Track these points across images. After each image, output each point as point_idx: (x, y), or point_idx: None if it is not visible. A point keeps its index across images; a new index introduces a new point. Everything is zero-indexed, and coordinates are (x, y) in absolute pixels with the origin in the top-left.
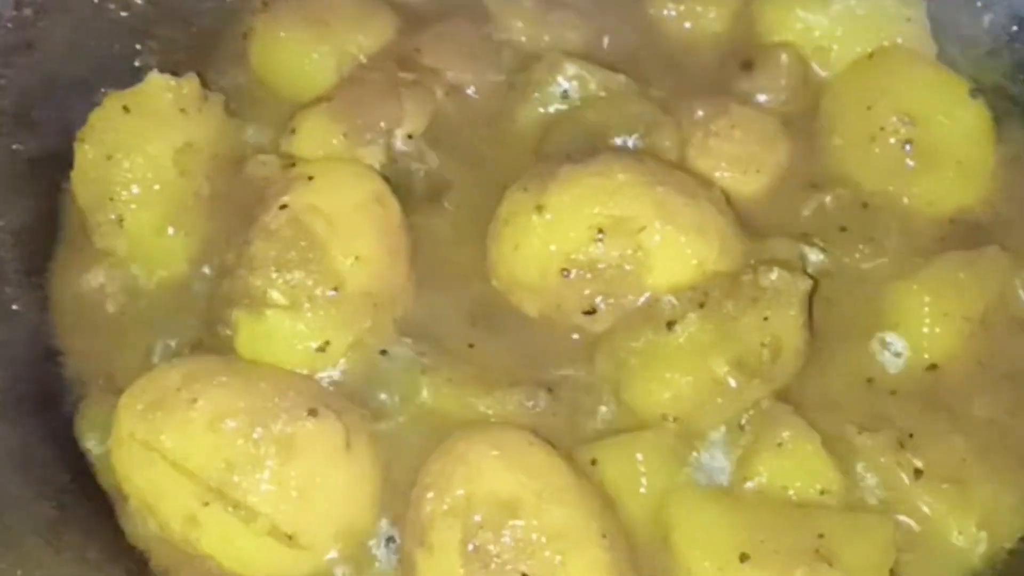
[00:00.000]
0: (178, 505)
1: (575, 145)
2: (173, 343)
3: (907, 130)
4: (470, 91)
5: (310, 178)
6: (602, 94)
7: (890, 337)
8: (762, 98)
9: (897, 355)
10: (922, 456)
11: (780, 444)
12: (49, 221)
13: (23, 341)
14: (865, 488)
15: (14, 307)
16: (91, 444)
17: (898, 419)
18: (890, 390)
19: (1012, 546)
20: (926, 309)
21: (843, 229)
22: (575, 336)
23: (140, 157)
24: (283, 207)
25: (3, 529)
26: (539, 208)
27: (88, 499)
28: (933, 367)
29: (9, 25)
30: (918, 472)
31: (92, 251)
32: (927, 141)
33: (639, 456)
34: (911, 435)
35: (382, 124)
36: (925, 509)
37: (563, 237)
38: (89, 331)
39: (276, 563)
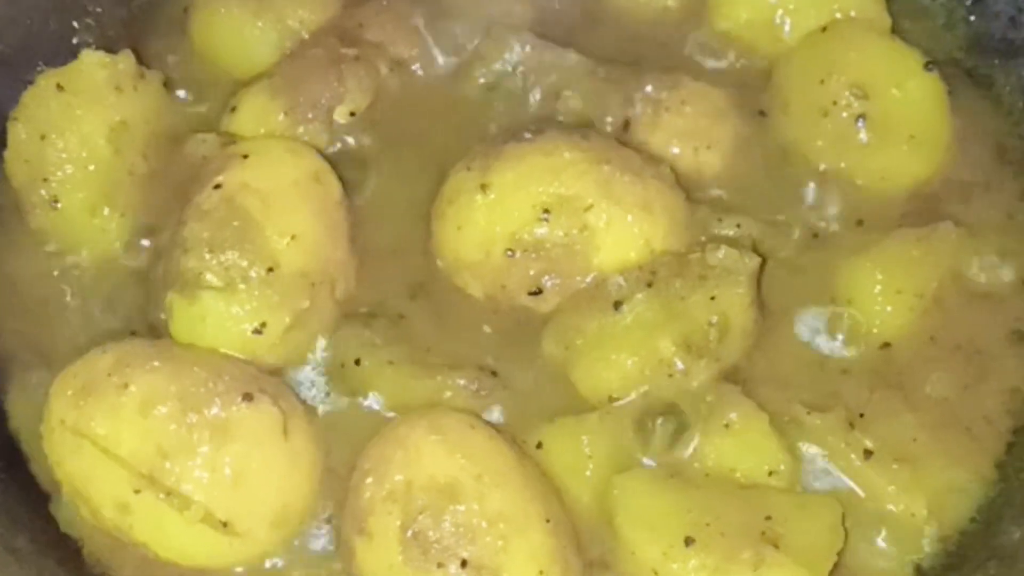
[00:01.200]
0: (110, 493)
1: (520, 122)
2: (107, 327)
3: (860, 104)
4: (414, 67)
5: (245, 156)
6: (549, 70)
7: (842, 314)
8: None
9: (847, 333)
10: (872, 435)
11: (727, 425)
12: None
13: None
14: (814, 469)
15: None
16: (21, 431)
17: (849, 398)
18: (841, 369)
19: (964, 526)
20: (879, 287)
21: (795, 205)
22: (520, 317)
23: (74, 136)
24: (217, 187)
25: None
26: (483, 187)
27: (18, 487)
28: (885, 345)
29: None
30: (868, 452)
31: (26, 232)
32: (880, 115)
33: (585, 439)
34: (861, 414)
35: (323, 101)
36: (875, 490)
37: (507, 216)
38: (21, 314)
39: (211, 551)
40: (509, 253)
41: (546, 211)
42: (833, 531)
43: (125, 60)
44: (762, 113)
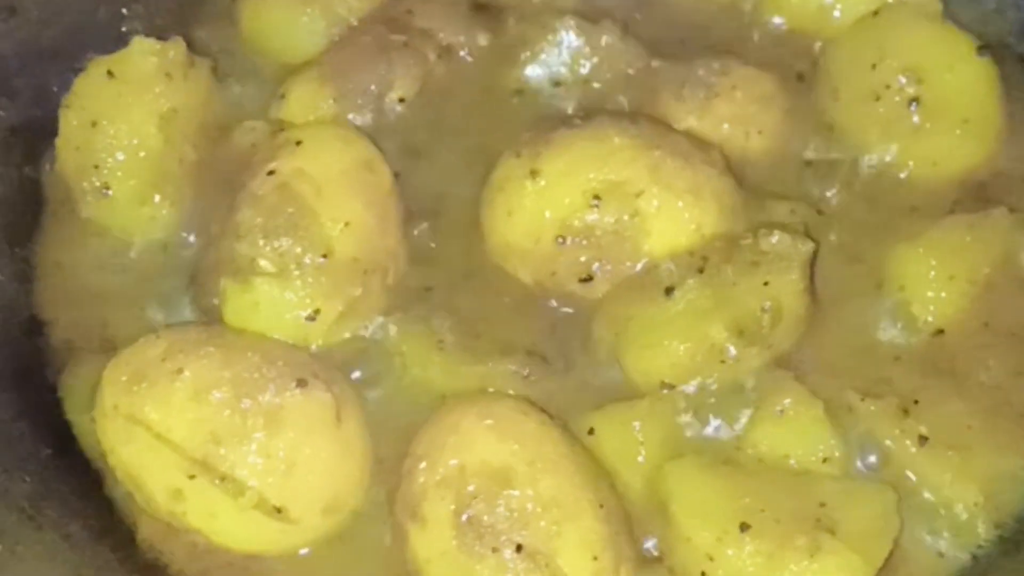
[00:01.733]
0: (163, 479)
1: (569, 108)
2: (159, 314)
3: (913, 88)
4: (462, 53)
5: (298, 143)
6: (597, 55)
7: (895, 301)
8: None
9: (902, 319)
10: (926, 422)
11: (781, 412)
12: (33, 191)
13: (2, 313)
14: (867, 456)
15: None
16: (76, 416)
17: (901, 385)
18: (894, 356)
19: (1019, 513)
20: (932, 273)
21: (847, 191)
22: (571, 304)
23: (125, 124)
24: (270, 173)
25: None
26: (533, 173)
27: (71, 474)
28: (939, 331)
29: None
30: (922, 439)
31: (77, 221)
32: (933, 99)
33: (636, 425)
34: (916, 401)
35: (373, 88)
36: (929, 477)
37: (558, 203)
38: (74, 302)
39: (264, 537)
40: (559, 240)
41: (596, 197)
42: (888, 518)
43: (176, 47)
44: (818, 100)
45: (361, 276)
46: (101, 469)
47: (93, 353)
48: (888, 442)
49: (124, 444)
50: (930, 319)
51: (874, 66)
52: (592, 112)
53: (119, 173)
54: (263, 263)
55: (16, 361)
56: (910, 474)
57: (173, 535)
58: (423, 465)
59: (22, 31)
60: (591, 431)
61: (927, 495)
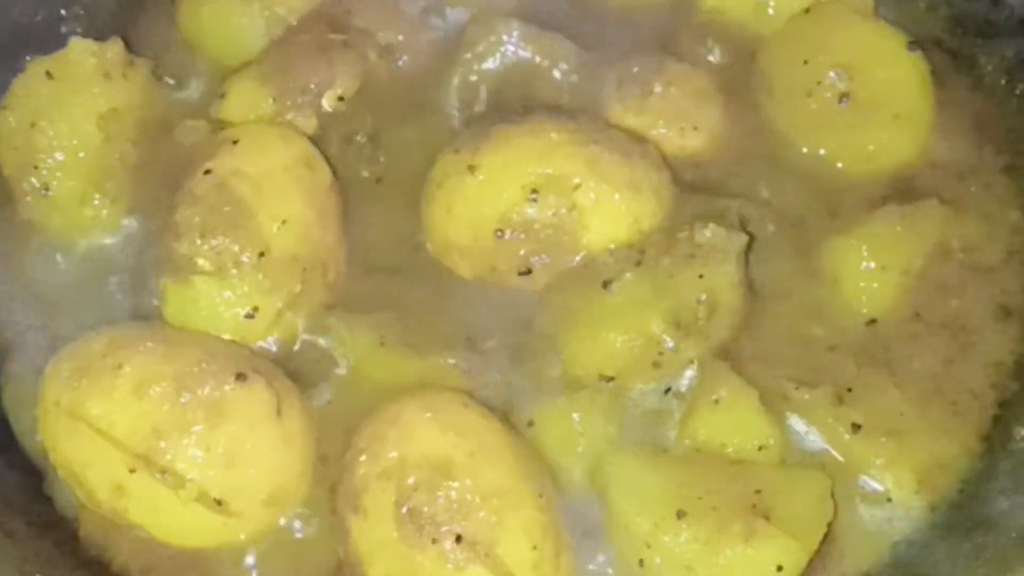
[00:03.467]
0: (105, 474)
1: (507, 104)
2: (100, 312)
3: (844, 84)
4: (401, 52)
5: (235, 142)
6: (535, 53)
7: (829, 292)
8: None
9: (837, 310)
10: (860, 410)
11: (717, 401)
12: None
13: None
14: (802, 443)
15: None
16: (17, 413)
17: (836, 374)
18: (829, 345)
19: (951, 498)
20: (865, 264)
21: (781, 185)
22: (510, 298)
23: (64, 124)
24: (207, 172)
25: None
26: (472, 169)
27: (12, 470)
28: (872, 321)
29: None
30: (856, 427)
31: (18, 221)
32: (864, 95)
33: (576, 416)
34: (849, 389)
35: (312, 87)
36: (863, 463)
37: (497, 197)
38: (15, 301)
39: (206, 531)
40: (499, 234)
41: (535, 191)
42: (822, 503)
43: (114, 48)
44: (752, 96)
45: (300, 273)
46: (43, 465)
47: (33, 350)
48: (822, 430)
49: (66, 440)
50: (864, 310)
51: (806, 62)
52: (530, 108)
53: (59, 173)
54: (201, 262)
55: None
56: (845, 461)
57: (116, 530)
58: (364, 458)
59: None
60: (531, 423)
61: (861, 481)
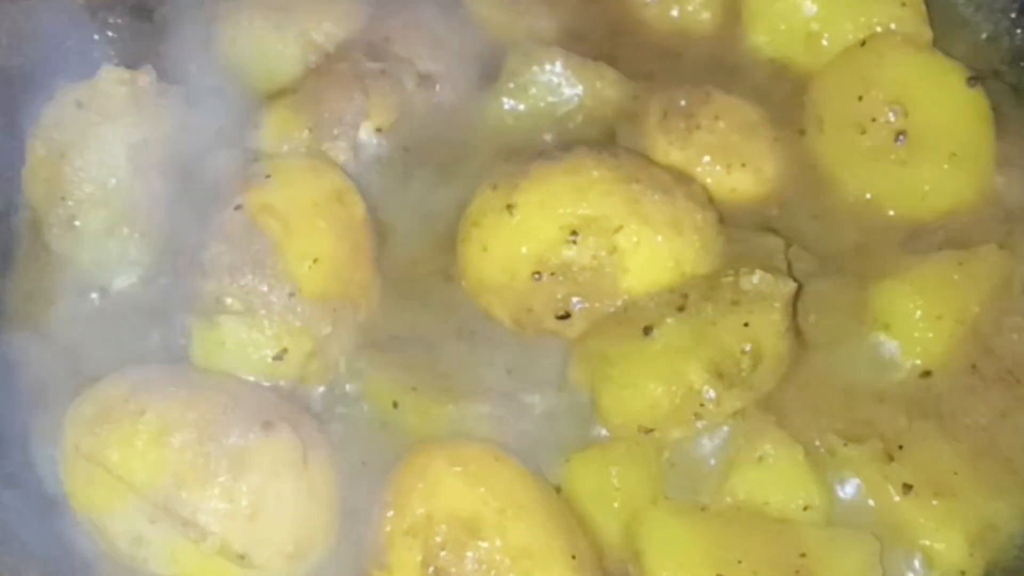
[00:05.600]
0: (125, 523)
1: (547, 139)
2: (126, 350)
3: (900, 120)
4: (442, 82)
5: (267, 176)
6: (578, 85)
7: (880, 341)
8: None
9: (887, 360)
10: (911, 468)
11: (761, 458)
12: (4, 224)
13: None
14: (849, 502)
15: None
16: (39, 458)
17: (885, 428)
18: (878, 397)
19: (1006, 562)
20: (918, 312)
21: (832, 227)
22: (547, 343)
23: (93, 155)
24: (238, 207)
25: None
26: (509, 207)
27: (29, 516)
28: (926, 373)
29: None
30: (907, 487)
31: (45, 253)
32: (920, 132)
33: (613, 470)
34: (900, 446)
35: (348, 117)
36: (913, 525)
37: (534, 238)
38: (42, 338)
39: None
40: (536, 276)
41: (574, 232)
42: (869, 569)
43: (145, 76)
44: (802, 132)
45: (331, 313)
46: (63, 511)
47: (59, 393)
48: (871, 489)
49: (86, 486)
50: (917, 361)
51: (860, 97)
52: (571, 143)
53: (87, 205)
54: (229, 301)
55: None
56: (894, 522)
57: None
58: (390, 513)
59: None
60: (565, 476)
61: (910, 543)
